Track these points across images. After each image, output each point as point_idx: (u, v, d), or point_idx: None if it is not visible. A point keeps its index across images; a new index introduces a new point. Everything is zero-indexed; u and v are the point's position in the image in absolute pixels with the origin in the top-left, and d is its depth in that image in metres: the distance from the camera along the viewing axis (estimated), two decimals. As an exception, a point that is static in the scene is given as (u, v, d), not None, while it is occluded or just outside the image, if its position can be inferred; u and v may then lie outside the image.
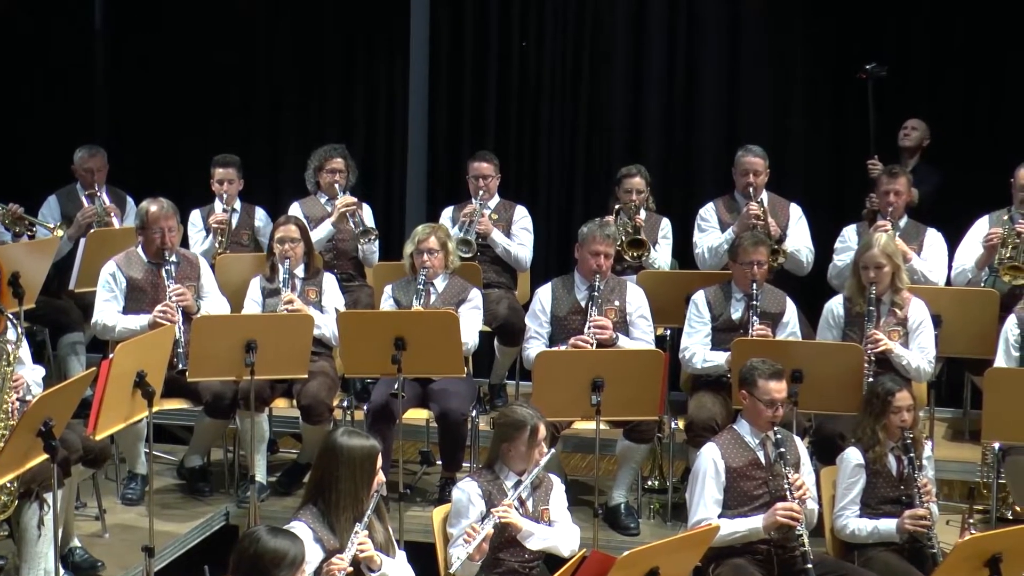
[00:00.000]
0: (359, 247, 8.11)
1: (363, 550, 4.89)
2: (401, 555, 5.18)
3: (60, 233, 7.89)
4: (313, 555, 4.73)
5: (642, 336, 7.05)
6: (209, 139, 9.33)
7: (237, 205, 8.41)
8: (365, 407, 6.95)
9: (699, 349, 6.97)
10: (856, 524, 5.83)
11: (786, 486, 5.66)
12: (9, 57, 10.14)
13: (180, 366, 6.65)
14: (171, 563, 6.38)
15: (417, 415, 7.02)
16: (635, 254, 7.89)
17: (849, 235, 7.79)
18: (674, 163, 9.51)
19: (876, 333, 6.69)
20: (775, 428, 5.77)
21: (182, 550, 6.54)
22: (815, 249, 7.99)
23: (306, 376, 6.78)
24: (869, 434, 5.91)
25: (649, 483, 7.44)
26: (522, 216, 8.27)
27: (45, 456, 5.14)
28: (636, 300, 7.11)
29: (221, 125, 9.90)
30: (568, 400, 6.20)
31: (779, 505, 5.61)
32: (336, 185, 8.17)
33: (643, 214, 8.10)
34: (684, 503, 6.15)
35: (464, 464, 6.99)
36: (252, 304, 7.27)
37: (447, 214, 8.29)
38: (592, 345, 6.78)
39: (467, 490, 5.48)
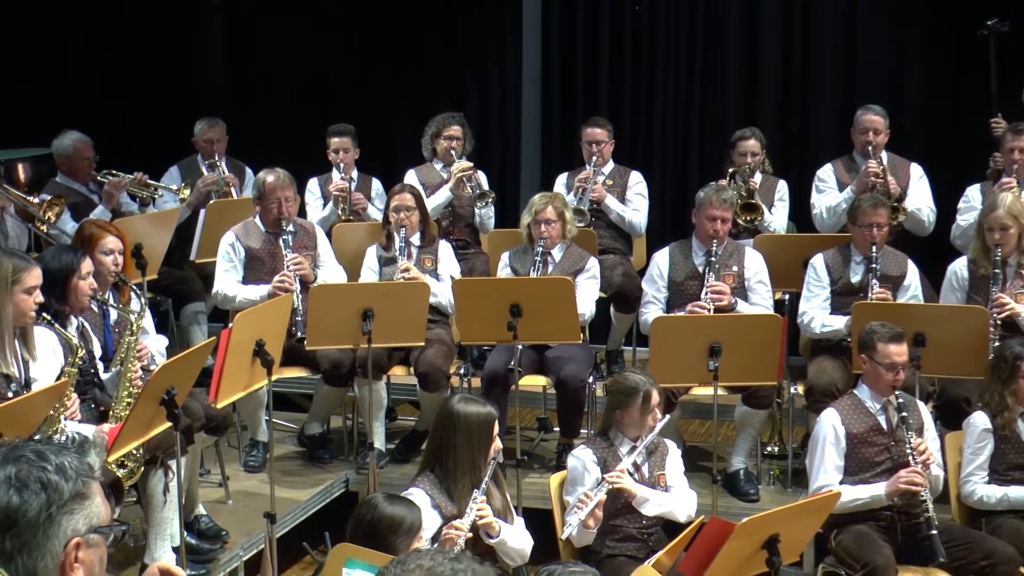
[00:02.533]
0: (476, 211, 8.11)
1: (481, 516, 4.91)
2: (519, 521, 5.19)
3: (185, 193, 8.00)
4: (431, 521, 4.76)
5: (760, 301, 6.96)
6: (325, 109, 9.39)
7: (354, 174, 8.46)
8: (481, 374, 6.96)
9: (818, 313, 6.85)
10: (985, 491, 5.70)
11: (909, 451, 5.56)
12: (130, 32, 10.31)
13: (299, 334, 6.72)
14: (292, 529, 6.46)
15: (534, 382, 7.02)
16: (748, 218, 7.78)
17: (973, 195, 7.59)
18: (790, 125, 9.34)
19: (1002, 297, 6.51)
20: (897, 392, 5.66)
21: (303, 516, 6.63)
22: (936, 210, 7.80)
23: (423, 344, 6.81)
24: (997, 399, 5.77)
25: (768, 449, 7.35)
26: (637, 181, 8.21)
27: (169, 424, 5.24)
28: (754, 265, 7.01)
29: (336, 95, 9.96)
30: (685, 366, 6.14)
31: (902, 471, 5.51)
32: (452, 152, 8.17)
33: (758, 177, 8.00)
34: (804, 469, 6.08)
35: (582, 431, 6.98)
36: (369, 272, 7.31)
37: (561, 180, 8.26)
38: (710, 310, 6.71)
39: (582, 457, 5.47)
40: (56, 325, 5.47)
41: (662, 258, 7.06)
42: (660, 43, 9.52)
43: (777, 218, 7.99)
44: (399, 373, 7.19)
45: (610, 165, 8.22)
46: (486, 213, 8.15)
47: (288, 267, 6.97)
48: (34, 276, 5.31)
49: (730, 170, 7.96)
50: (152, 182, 8.15)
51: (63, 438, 4.91)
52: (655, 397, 5.43)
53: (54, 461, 2.50)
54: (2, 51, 10.32)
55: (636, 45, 9.57)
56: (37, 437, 3.99)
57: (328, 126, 8.56)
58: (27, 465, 2.48)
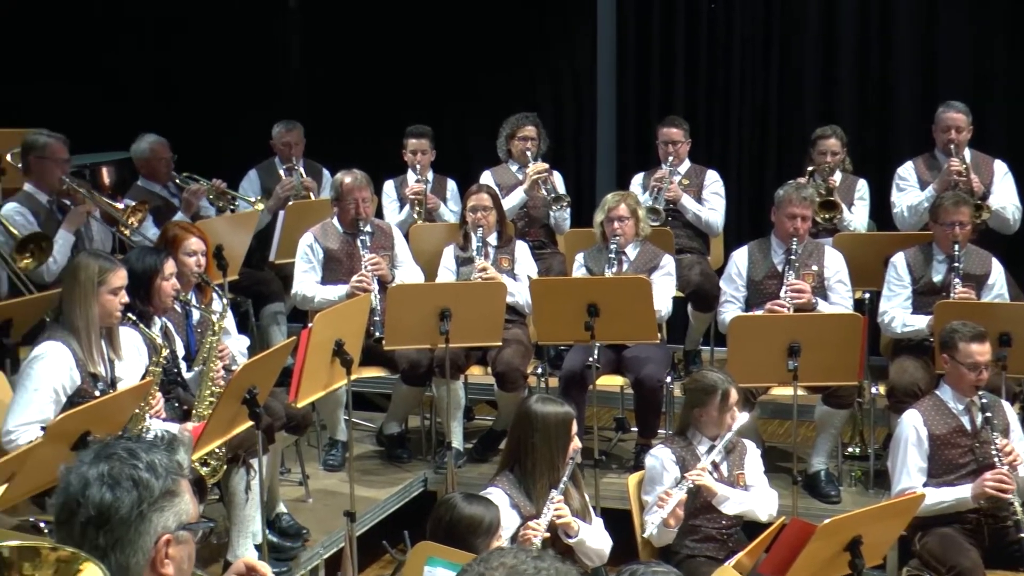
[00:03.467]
0: (551, 214, 8.12)
1: (560, 516, 4.91)
2: (598, 521, 5.19)
3: (261, 207, 8.09)
4: (509, 521, 4.77)
5: (840, 300, 6.90)
6: (401, 110, 9.44)
7: (430, 176, 8.50)
8: (559, 374, 6.96)
9: (899, 313, 6.78)
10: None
11: (994, 453, 5.48)
12: (208, 37, 10.44)
13: (377, 334, 6.76)
14: (371, 528, 6.50)
15: (611, 382, 7.00)
16: (826, 216, 7.71)
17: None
18: (870, 122, 9.24)
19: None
20: (980, 393, 5.58)
21: (382, 515, 6.67)
22: (1022, 207, 7.68)
23: (500, 344, 6.81)
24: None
25: (850, 450, 7.28)
26: (713, 180, 8.17)
27: (250, 423, 5.29)
28: (834, 264, 6.95)
29: (413, 97, 10.00)
30: (764, 365, 6.10)
31: (988, 474, 5.43)
32: (528, 152, 8.18)
33: (838, 175, 7.93)
34: (886, 471, 6.00)
35: (660, 430, 6.96)
36: (446, 273, 7.34)
37: (637, 180, 8.24)
38: (789, 309, 6.66)
39: (660, 456, 5.45)
40: (141, 325, 5.56)
41: (740, 257, 7.03)
42: (736, 40, 9.46)
43: (857, 217, 7.91)
44: (477, 373, 7.21)
45: (686, 164, 8.19)
46: (561, 216, 8.16)
47: (366, 267, 7.02)
48: (119, 277, 5.39)
49: (809, 168, 7.90)
50: (229, 191, 8.22)
51: (151, 436, 4.97)
52: (734, 395, 5.40)
53: (145, 459, 2.54)
54: (89, 57, 10.49)
55: (712, 43, 9.52)
56: (127, 435, 4.05)
57: (404, 128, 8.61)
58: (119, 463, 2.52)
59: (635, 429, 7.23)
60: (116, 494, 2.49)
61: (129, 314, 5.46)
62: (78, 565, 2.05)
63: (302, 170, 8.56)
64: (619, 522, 5.60)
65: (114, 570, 2.46)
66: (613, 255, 7.00)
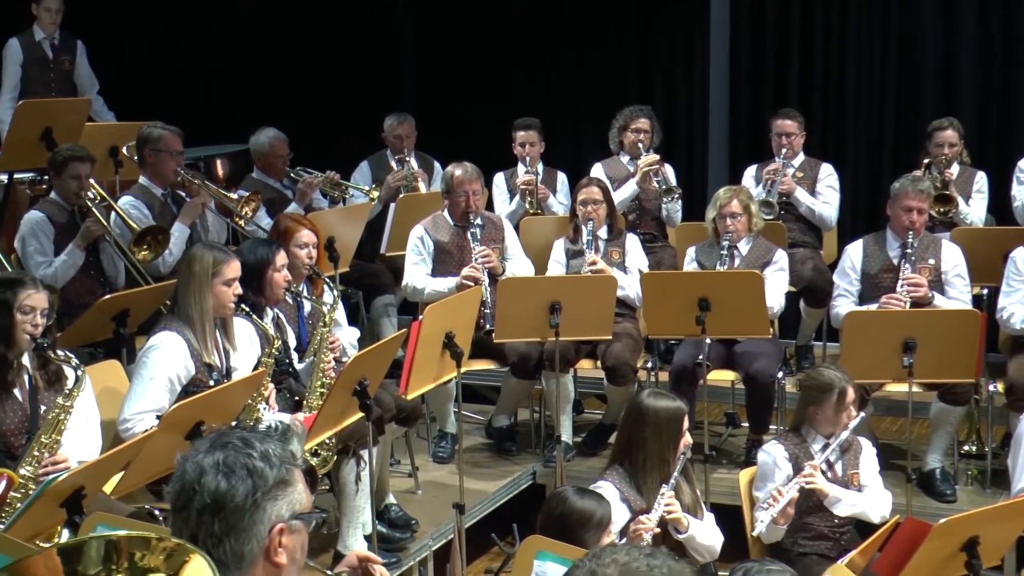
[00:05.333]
0: (663, 206, 8.06)
1: (670, 511, 4.88)
2: (709, 517, 5.14)
3: (375, 195, 8.13)
4: (619, 516, 4.74)
5: (958, 296, 6.74)
6: (511, 102, 9.44)
7: (539, 168, 8.49)
8: (669, 368, 6.91)
9: (1018, 309, 6.60)
10: None
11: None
12: (319, 30, 10.53)
13: (487, 327, 6.76)
14: (480, 520, 6.51)
15: (722, 376, 6.93)
16: (941, 210, 7.55)
17: None
18: (990, 114, 9.02)
19: None
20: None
21: (491, 508, 6.67)
22: None
23: (610, 337, 6.78)
24: None
25: (966, 448, 7.11)
26: (828, 174, 8.04)
27: (361, 414, 5.32)
28: (952, 258, 6.80)
29: (523, 89, 9.99)
30: (879, 361, 5.99)
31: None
32: (640, 145, 8.13)
33: (956, 168, 7.76)
34: (1004, 470, 5.85)
35: (771, 426, 6.87)
36: (556, 266, 7.32)
37: (750, 173, 8.14)
38: (905, 304, 6.53)
39: (773, 453, 5.38)
40: (253, 316, 5.62)
41: (855, 250, 6.90)
42: (852, 30, 9.27)
43: (975, 210, 7.74)
44: (586, 366, 7.18)
45: (800, 157, 8.07)
46: (673, 208, 8.10)
47: (476, 260, 7.03)
48: (233, 268, 5.46)
49: (925, 161, 7.74)
50: (343, 182, 8.30)
51: (265, 426, 5.03)
52: (850, 394, 5.29)
53: (259, 448, 2.56)
54: (199, 49, 10.65)
55: (827, 33, 9.36)
56: (243, 425, 4.11)
57: (514, 120, 8.61)
58: (234, 452, 2.54)
59: (745, 424, 7.14)
60: (231, 482, 2.51)
61: (242, 305, 5.53)
62: (185, 556, 2.07)
63: (413, 162, 8.61)
64: (729, 518, 5.54)
65: (228, 558, 2.48)
66: (725, 251, 6.93)
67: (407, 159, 8.59)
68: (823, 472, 5.26)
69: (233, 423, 5.02)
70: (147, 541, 2.06)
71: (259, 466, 2.54)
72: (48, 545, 3.98)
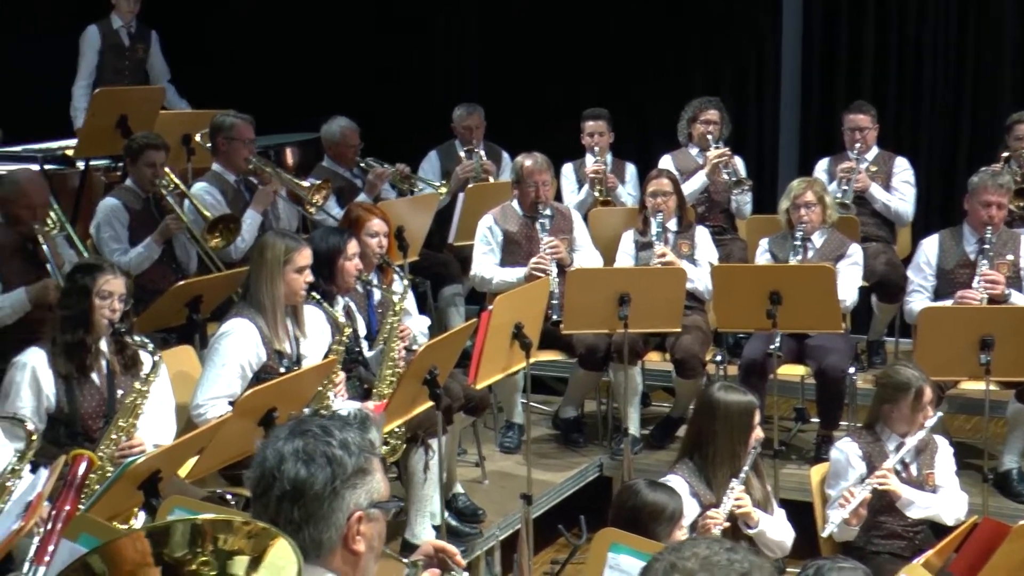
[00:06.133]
0: (732, 198, 8.00)
1: (739, 506, 4.86)
2: (780, 512, 5.11)
3: (444, 191, 8.14)
4: (689, 509, 4.71)
5: (1037, 293, 6.64)
6: (581, 94, 9.40)
7: (608, 158, 8.46)
8: (739, 362, 6.86)
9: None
10: None
11: None
12: (390, 20, 10.55)
13: (555, 317, 6.75)
14: (547, 511, 6.49)
15: (792, 371, 6.86)
16: (1021, 204, 7.43)
17: None
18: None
19: None
20: None
21: (557, 499, 6.66)
22: None
23: (679, 330, 6.74)
24: None
25: (1043, 448, 7.00)
26: (903, 168, 7.93)
27: (430, 403, 5.33)
28: (1031, 254, 6.70)
29: (592, 79, 9.95)
30: (954, 358, 5.90)
31: None
32: (709, 136, 8.07)
33: (1035, 162, 7.64)
34: (1084, 471, 5.76)
35: (841, 423, 6.80)
36: (624, 258, 7.29)
37: (821, 166, 8.06)
38: (981, 300, 6.43)
39: (846, 451, 5.31)
40: (324, 304, 5.65)
41: (931, 245, 6.81)
42: (929, 21, 9.13)
43: (1055, 205, 7.62)
44: (654, 359, 7.15)
45: (874, 150, 7.96)
46: (743, 200, 8.03)
47: (545, 251, 7.01)
48: (304, 256, 5.49)
49: (1004, 155, 7.63)
50: (413, 176, 8.31)
51: (344, 414, 5.05)
52: (928, 394, 5.21)
53: (338, 436, 2.57)
54: (270, 39, 10.71)
55: (902, 24, 9.22)
56: (322, 413, 4.12)
57: (582, 110, 8.58)
58: (313, 440, 2.55)
59: (815, 420, 7.08)
60: (310, 470, 2.52)
61: (313, 293, 5.55)
62: (269, 540, 2.08)
63: (482, 153, 8.60)
64: (799, 514, 5.49)
65: (308, 545, 2.49)
66: (799, 242, 6.85)
67: (476, 150, 8.58)
68: (897, 472, 5.19)
69: (305, 410, 5.05)
70: (230, 524, 2.08)
71: (338, 454, 2.55)
72: (125, 527, 4.03)
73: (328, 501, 2.52)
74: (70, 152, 8.20)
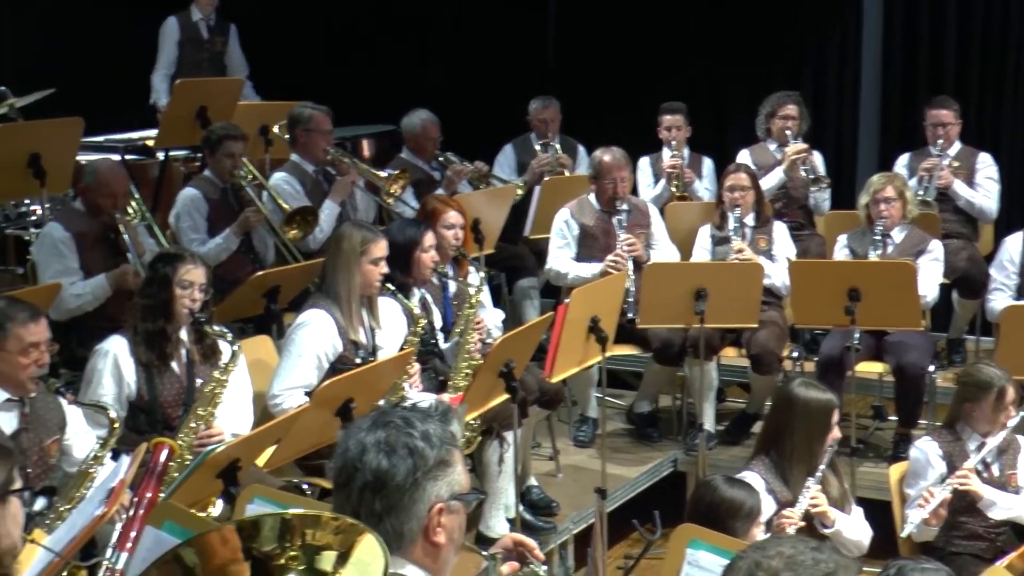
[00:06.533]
0: (810, 195, 7.92)
1: (815, 505, 4.81)
2: (857, 511, 5.05)
3: (520, 192, 8.11)
4: (765, 506, 4.67)
5: (1124, 292, 6.52)
6: (657, 87, 9.35)
7: (685, 152, 8.41)
8: (816, 358, 6.79)
9: None
10: None
11: None
12: (465, 12, 10.56)
13: (629, 315, 6.71)
14: (621, 506, 6.47)
15: (871, 368, 6.78)
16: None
17: None
18: None
19: None
20: None
21: (631, 494, 6.64)
22: None
23: (756, 325, 6.69)
24: None
25: None
26: (986, 164, 7.79)
27: (506, 396, 5.33)
28: (1118, 250, 6.57)
29: (669, 73, 9.89)
30: (1039, 358, 5.81)
31: None
32: (788, 132, 7.98)
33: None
34: None
35: (920, 421, 6.71)
36: (701, 252, 7.25)
37: (902, 162, 7.94)
38: (1064, 300, 6.34)
39: (926, 450, 5.25)
40: (399, 295, 5.66)
41: (1014, 243, 6.70)
42: (1014, 12, 8.97)
43: None
44: (730, 354, 7.10)
45: (956, 145, 7.83)
46: (821, 197, 7.95)
47: (621, 248, 6.96)
48: (380, 247, 5.51)
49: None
50: (493, 175, 8.31)
51: (425, 406, 5.07)
52: (1011, 394, 5.13)
53: (420, 428, 2.57)
54: (345, 32, 10.76)
55: (988, 16, 9.06)
56: (404, 404, 4.15)
57: (659, 104, 8.53)
58: (395, 431, 2.55)
59: (893, 418, 6.99)
60: (392, 461, 2.52)
61: (388, 284, 5.57)
62: (356, 535, 2.08)
63: (558, 146, 8.58)
64: (874, 512, 5.42)
65: (389, 536, 2.50)
66: (878, 237, 6.77)
67: (552, 143, 8.56)
68: (978, 472, 5.11)
69: (380, 401, 5.07)
70: (318, 519, 2.08)
71: (420, 446, 2.55)
72: (203, 515, 4.06)
73: (409, 492, 2.52)
74: (150, 142, 8.30)
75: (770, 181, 7.80)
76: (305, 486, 4.87)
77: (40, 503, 4.33)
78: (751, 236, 7.16)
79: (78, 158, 7.14)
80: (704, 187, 8.38)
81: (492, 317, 6.48)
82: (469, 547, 2.82)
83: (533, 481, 6.28)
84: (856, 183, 8.80)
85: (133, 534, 3.13)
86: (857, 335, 6.26)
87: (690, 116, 8.45)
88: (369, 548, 2.04)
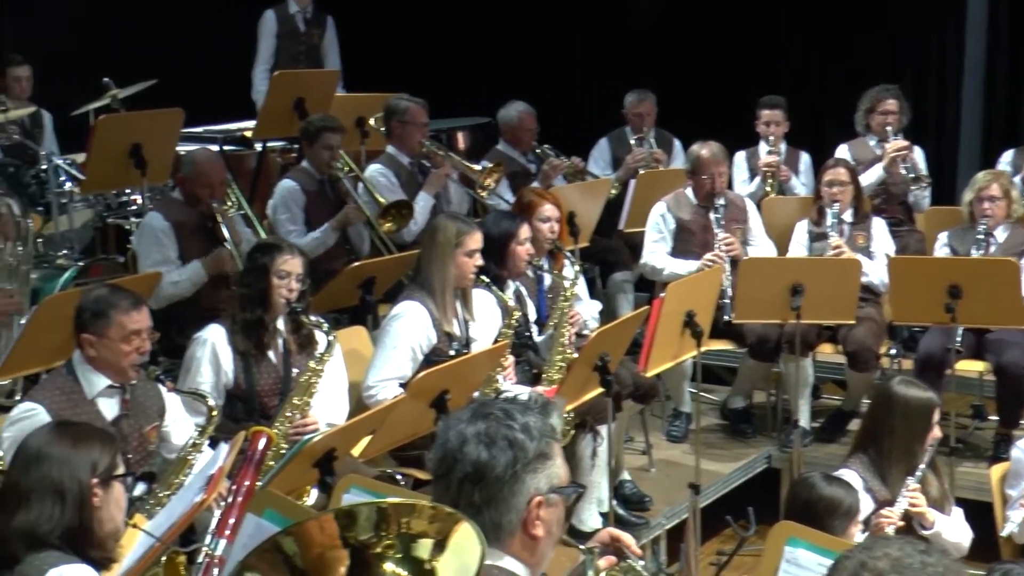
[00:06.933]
0: (910, 193, 7.79)
1: (914, 504, 4.72)
2: (958, 512, 4.95)
3: (614, 192, 8.07)
4: (863, 505, 4.60)
5: None
6: (754, 81, 9.26)
7: (782, 148, 8.31)
8: (915, 356, 6.68)
9: None
10: None
11: None
12: (563, 7, 10.54)
13: (725, 317, 6.64)
14: (714, 502, 6.42)
15: (971, 366, 6.67)
16: None
17: None
18: None
19: None
20: None
21: (725, 490, 6.59)
22: None
23: (853, 322, 6.61)
24: None
25: None
26: (1095, 161, 7.64)
27: (600, 390, 5.31)
28: None
29: (766, 67, 9.80)
30: None
31: None
32: (887, 127, 7.85)
33: None
34: None
35: (1021, 421, 6.58)
36: (798, 247, 7.16)
37: (1006, 159, 7.80)
38: None
39: (1027, 451, 5.14)
40: (494, 288, 5.67)
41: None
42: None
43: None
44: (827, 351, 7.01)
45: (1062, 142, 7.69)
46: (921, 195, 7.81)
47: (719, 247, 6.89)
48: (475, 240, 5.51)
49: None
50: (588, 172, 8.28)
51: (525, 399, 5.07)
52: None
53: (520, 420, 2.56)
54: (443, 24, 10.80)
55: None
56: (504, 397, 4.16)
57: (755, 98, 8.44)
58: (495, 423, 2.55)
59: (994, 418, 6.87)
60: (492, 453, 2.52)
61: (483, 276, 5.57)
62: (453, 524, 2.07)
63: (652, 140, 8.53)
64: (973, 513, 5.31)
65: (487, 527, 2.49)
66: (981, 236, 6.65)
67: (647, 137, 8.51)
68: (1083, 474, 5.00)
69: (475, 393, 5.08)
70: (414, 507, 2.08)
71: (520, 438, 2.54)
72: (298, 502, 4.09)
73: (509, 485, 2.52)
74: (248, 133, 8.39)
75: (869, 177, 7.68)
76: (399, 476, 4.89)
77: (140, 488, 4.39)
78: (849, 232, 7.06)
79: (177, 148, 7.24)
80: (801, 182, 8.28)
81: (589, 308, 6.47)
82: (566, 540, 2.81)
83: (626, 475, 6.26)
84: (957, 179, 8.68)
85: (232, 521, 3.15)
86: (959, 333, 6.14)
87: (788, 110, 8.35)
88: (466, 536, 2.04)
